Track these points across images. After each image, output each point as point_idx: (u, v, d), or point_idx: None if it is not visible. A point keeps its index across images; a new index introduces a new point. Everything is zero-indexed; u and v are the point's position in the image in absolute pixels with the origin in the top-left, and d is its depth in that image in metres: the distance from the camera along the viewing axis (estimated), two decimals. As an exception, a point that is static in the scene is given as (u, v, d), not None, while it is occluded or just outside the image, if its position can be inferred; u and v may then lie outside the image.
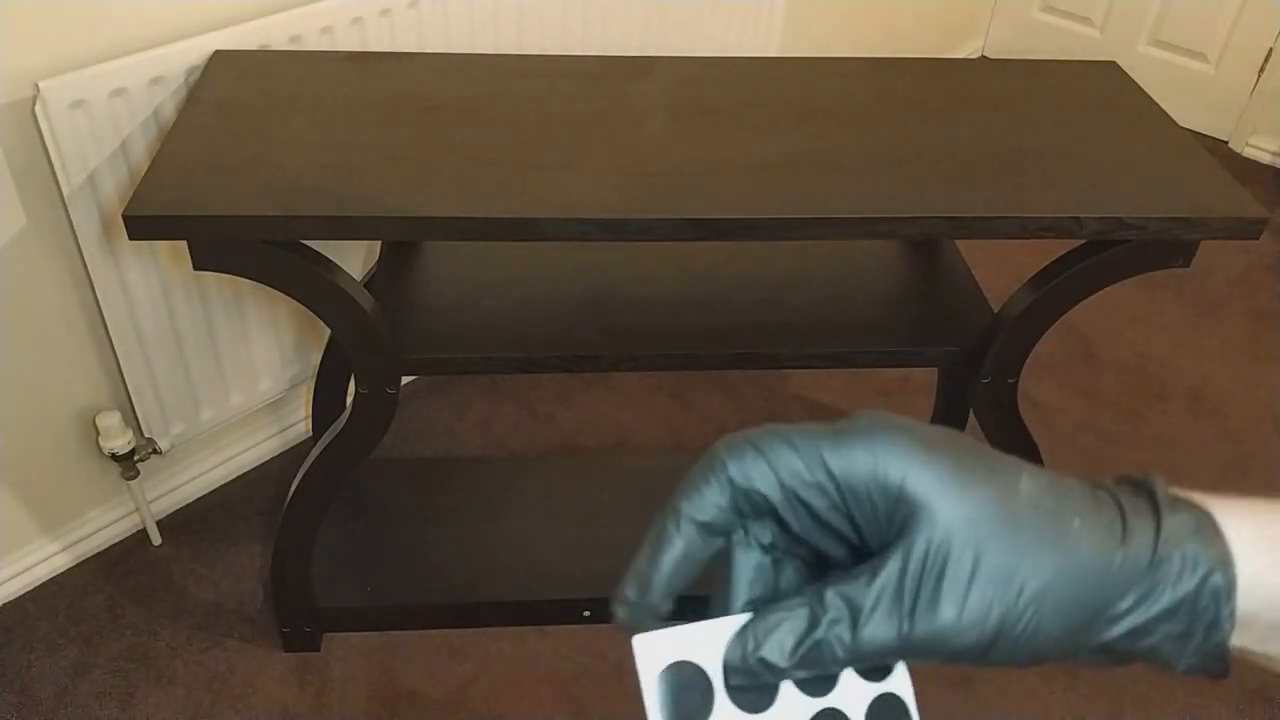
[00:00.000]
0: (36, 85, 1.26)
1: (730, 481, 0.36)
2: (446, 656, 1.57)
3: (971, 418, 1.78)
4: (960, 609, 0.34)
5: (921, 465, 0.35)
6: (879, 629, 0.34)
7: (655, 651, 0.37)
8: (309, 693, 1.51)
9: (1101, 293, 1.33)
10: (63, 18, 1.28)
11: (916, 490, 0.34)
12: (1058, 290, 1.31)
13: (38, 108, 1.25)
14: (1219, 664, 0.36)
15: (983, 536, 0.34)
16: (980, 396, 1.41)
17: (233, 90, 1.29)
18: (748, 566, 0.39)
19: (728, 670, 0.36)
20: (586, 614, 1.61)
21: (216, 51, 1.36)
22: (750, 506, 0.36)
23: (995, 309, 1.40)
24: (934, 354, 1.41)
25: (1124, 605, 0.35)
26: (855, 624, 0.34)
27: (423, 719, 1.50)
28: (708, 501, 0.36)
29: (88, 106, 1.29)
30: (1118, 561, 0.35)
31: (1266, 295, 2.43)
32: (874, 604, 0.34)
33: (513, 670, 1.56)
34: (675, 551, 0.37)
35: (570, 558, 1.64)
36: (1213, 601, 0.35)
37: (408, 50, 1.56)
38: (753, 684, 0.36)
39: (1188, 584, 0.35)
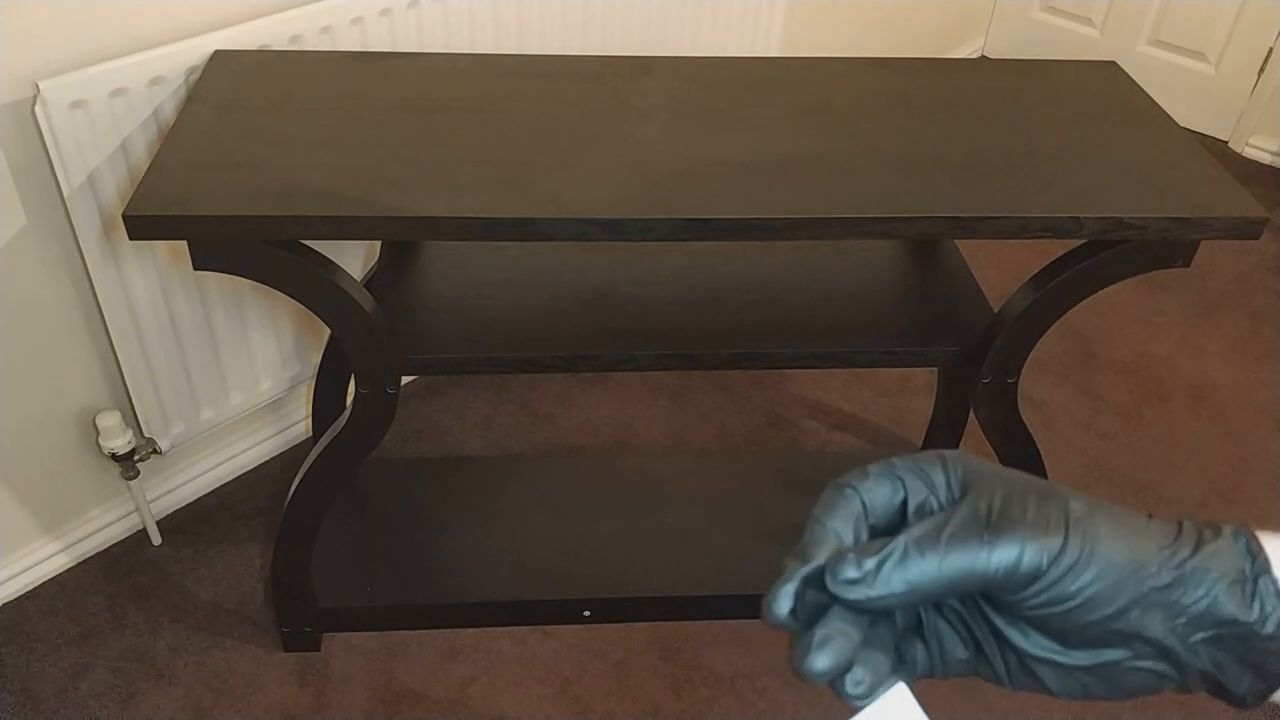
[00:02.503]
0: (36, 85, 1.26)
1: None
2: (446, 656, 1.57)
3: (971, 417, 1.78)
4: (1026, 521, 0.38)
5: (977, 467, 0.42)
6: (964, 536, 0.38)
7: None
8: (309, 693, 1.51)
9: (1101, 293, 1.33)
10: (63, 18, 1.28)
11: (973, 477, 0.41)
12: (1058, 290, 1.31)
13: (38, 108, 1.25)
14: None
15: (1028, 487, 0.40)
16: (980, 396, 1.41)
17: (233, 90, 1.29)
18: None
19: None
20: (586, 614, 1.61)
21: (216, 51, 1.36)
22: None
23: (995, 309, 1.40)
24: (934, 354, 1.41)
25: (1164, 553, 0.39)
26: (941, 535, 0.38)
27: (423, 719, 1.50)
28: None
29: (88, 106, 1.29)
30: (1147, 522, 0.40)
31: (1266, 295, 2.43)
32: (955, 523, 0.39)
33: (513, 670, 1.56)
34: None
35: (570, 558, 1.64)
36: (1243, 543, 0.39)
37: (408, 50, 1.56)
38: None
39: (1211, 534, 0.39)
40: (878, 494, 0.41)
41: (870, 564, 0.38)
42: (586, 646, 1.60)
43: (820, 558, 0.39)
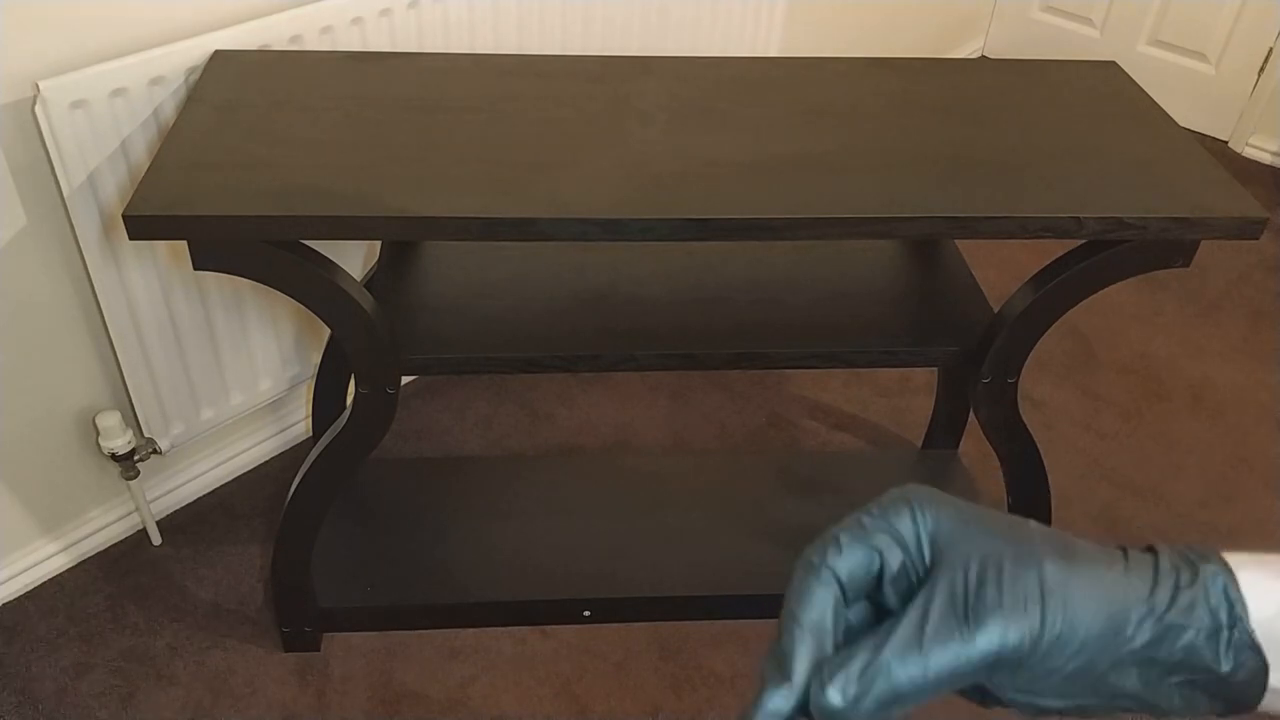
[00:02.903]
0: (36, 85, 1.26)
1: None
2: (446, 656, 1.57)
3: (971, 417, 1.78)
4: (1002, 603, 0.38)
5: (950, 511, 0.41)
6: (943, 634, 0.38)
7: None
8: (309, 693, 1.51)
9: (1101, 293, 1.33)
10: (63, 18, 1.28)
11: (942, 532, 0.40)
12: (1058, 290, 1.31)
13: (38, 108, 1.25)
14: (1256, 658, 0.38)
15: (1002, 551, 0.39)
16: (980, 396, 1.41)
17: (233, 90, 1.29)
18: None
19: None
20: (586, 614, 1.61)
21: (216, 51, 1.36)
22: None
23: (995, 309, 1.40)
24: (934, 354, 1.41)
25: (1141, 609, 0.39)
26: (921, 637, 0.37)
27: (423, 719, 1.50)
28: None
29: (88, 106, 1.29)
30: (1124, 570, 0.39)
31: (1266, 295, 2.43)
32: (934, 621, 0.38)
33: (513, 670, 1.56)
34: None
35: (570, 558, 1.64)
36: (1220, 587, 0.39)
37: (408, 50, 1.56)
38: None
39: (1188, 576, 0.39)
40: (854, 564, 0.40)
41: (854, 691, 0.37)
42: (586, 646, 1.60)
43: (801, 674, 0.39)
